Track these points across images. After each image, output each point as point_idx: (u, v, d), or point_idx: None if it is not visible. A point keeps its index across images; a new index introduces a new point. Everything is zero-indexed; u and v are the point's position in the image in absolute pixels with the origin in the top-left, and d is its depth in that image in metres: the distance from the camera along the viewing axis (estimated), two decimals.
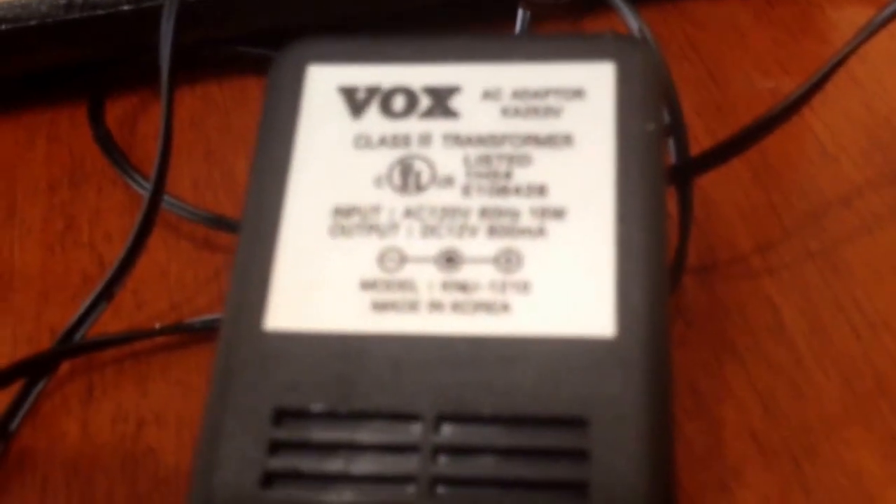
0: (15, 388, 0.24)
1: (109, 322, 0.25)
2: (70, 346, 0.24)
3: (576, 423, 0.15)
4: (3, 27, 0.28)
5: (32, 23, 0.28)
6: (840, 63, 0.24)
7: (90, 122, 0.30)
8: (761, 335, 0.24)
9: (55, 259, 0.27)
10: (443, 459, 0.15)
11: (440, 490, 0.15)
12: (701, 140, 0.29)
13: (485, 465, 0.15)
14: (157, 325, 0.25)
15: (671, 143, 0.22)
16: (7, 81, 0.30)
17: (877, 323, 0.25)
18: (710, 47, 0.31)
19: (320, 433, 0.15)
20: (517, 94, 0.18)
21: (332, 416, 0.16)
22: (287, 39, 0.19)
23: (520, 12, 0.26)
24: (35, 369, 0.24)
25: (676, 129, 0.22)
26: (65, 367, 0.25)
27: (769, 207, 0.27)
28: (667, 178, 0.19)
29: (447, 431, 0.15)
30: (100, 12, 0.28)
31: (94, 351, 0.25)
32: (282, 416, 0.16)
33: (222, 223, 0.27)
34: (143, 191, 0.28)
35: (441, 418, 0.15)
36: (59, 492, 0.23)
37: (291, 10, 0.29)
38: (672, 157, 0.22)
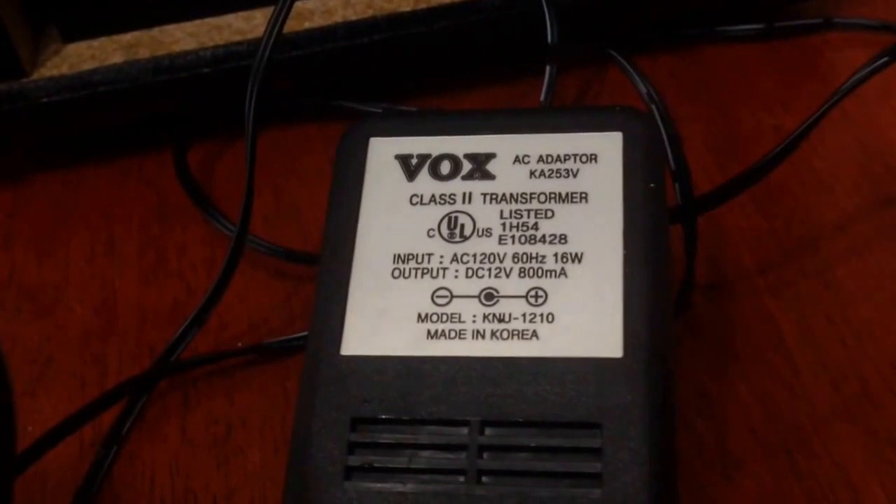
0: (124, 400, 0.28)
1: (199, 341, 0.30)
2: (169, 366, 0.29)
3: (591, 426, 0.19)
4: (101, 89, 0.32)
5: (125, 85, 0.32)
6: (834, 105, 0.28)
7: (175, 166, 0.34)
8: (762, 345, 0.28)
9: (150, 287, 0.32)
10: (486, 456, 0.19)
11: (484, 480, 0.19)
12: (712, 172, 0.32)
13: (519, 461, 0.19)
14: (240, 344, 0.30)
15: (676, 187, 0.26)
16: (103, 133, 0.35)
17: (862, 334, 0.28)
18: (720, 88, 0.35)
19: (388, 436, 0.19)
20: (542, 159, 0.22)
21: (397, 423, 0.20)
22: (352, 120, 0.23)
23: (547, 68, 0.30)
24: (140, 386, 0.28)
25: (681, 175, 0.26)
26: (164, 382, 0.29)
27: (770, 233, 0.31)
28: (669, 221, 0.23)
29: (489, 434, 0.19)
30: (183, 75, 0.32)
31: (189, 370, 0.29)
32: (357, 423, 0.20)
33: (291, 255, 0.31)
34: (224, 228, 0.32)
35: (484, 424, 0.19)
36: (164, 485, 0.27)
37: (339, 71, 0.33)
38: (678, 199, 0.26)
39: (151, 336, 0.30)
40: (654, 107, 0.25)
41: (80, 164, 0.35)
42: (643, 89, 0.25)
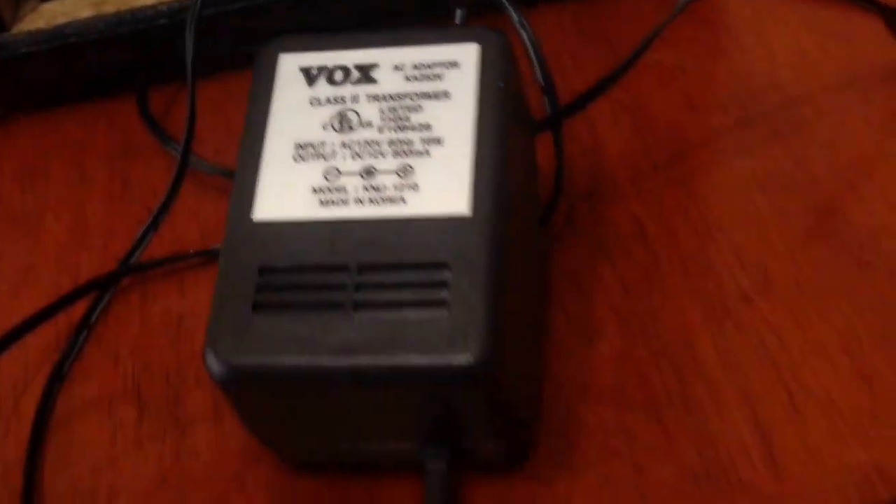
0: (92, 296, 0.34)
1: (156, 250, 0.35)
2: (129, 266, 0.34)
3: (442, 266, 0.24)
4: (72, 40, 0.37)
5: (93, 37, 0.37)
6: (653, 37, 0.33)
7: (138, 106, 0.39)
8: (626, 239, 0.33)
9: (116, 210, 0.37)
10: (361, 292, 0.24)
11: (361, 311, 0.24)
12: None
13: (385, 294, 0.24)
14: (191, 251, 0.35)
15: (545, 100, 0.31)
16: (76, 81, 0.40)
17: (713, 228, 0.33)
18: (616, 33, 0.40)
19: (287, 279, 0.25)
20: (415, 66, 0.27)
21: (295, 269, 0.25)
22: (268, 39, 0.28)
23: (458, 12, 0.35)
24: (105, 283, 0.34)
25: (548, 89, 0.31)
26: (126, 281, 0.34)
27: (643, 150, 0.36)
28: (527, 120, 0.28)
29: (364, 276, 0.25)
30: (143, 26, 0.37)
31: (148, 269, 0.34)
32: (263, 271, 0.25)
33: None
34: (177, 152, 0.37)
35: (361, 267, 0.25)
36: (126, 362, 0.32)
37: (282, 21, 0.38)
38: (547, 110, 0.31)
39: (117, 249, 0.36)
40: (523, 32, 0.30)
41: (57, 108, 0.40)
42: (515, 17, 0.30)
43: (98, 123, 0.40)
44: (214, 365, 0.24)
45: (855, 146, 0.35)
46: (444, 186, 0.25)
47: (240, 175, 0.26)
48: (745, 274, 0.32)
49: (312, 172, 0.26)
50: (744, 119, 0.37)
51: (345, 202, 0.26)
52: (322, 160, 0.26)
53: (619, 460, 0.28)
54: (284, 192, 0.26)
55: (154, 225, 0.34)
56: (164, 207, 0.33)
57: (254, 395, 0.25)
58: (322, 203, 0.26)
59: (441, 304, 0.24)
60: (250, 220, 0.26)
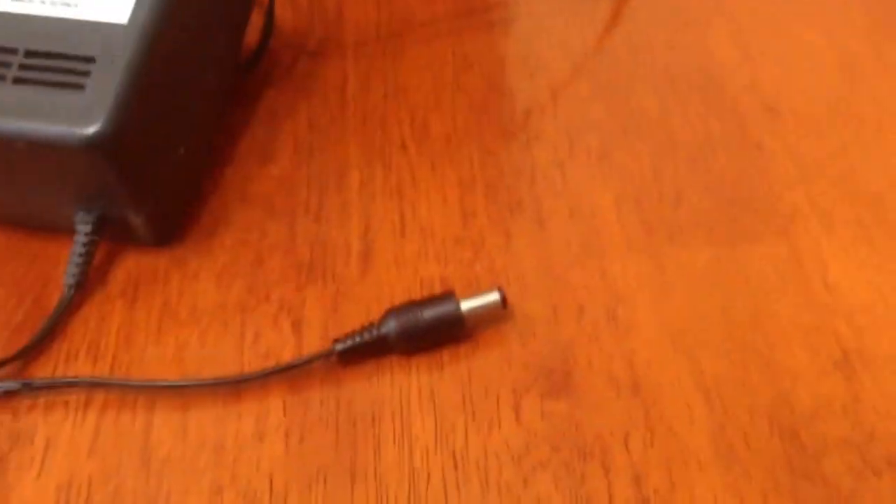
0: None
1: None
2: None
3: (89, 59, 0.30)
4: None
5: None
6: None
7: None
8: (329, 91, 0.39)
9: None
10: (22, 71, 0.30)
11: (18, 85, 0.30)
12: None
13: (43, 76, 0.30)
14: None
15: None
16: None
17: (401, 90, 0.39)
18: None
19: None
20: None
21: None
22: None
23: None
24: None
25: None
26: None
27: (376, 23, 0.41)
28: None
29: (33, 60, 0.30)
30: None
31: None
32: None
33: None
34: None
35: (28, 53, 0.30)
36: None
37: None
38: None
39: None
40: None
41: None
42: None
43: None
44: None
45: (552, 47, 0.40)
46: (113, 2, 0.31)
47: None
48: (410, 128, 0.37)
49: None
50: (464, 10, 0.42)
51: (31, 1, 0.31)
52: None
53: (247, 249, 0.33)
54: None
55: None
56: None
57: None
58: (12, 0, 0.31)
59: (80, 87, 0.30)
60: None
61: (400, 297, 0.32)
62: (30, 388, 0.30)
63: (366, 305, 0.32)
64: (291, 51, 0.39)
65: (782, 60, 0.39)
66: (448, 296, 0.30)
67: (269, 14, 0.38)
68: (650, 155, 0.36)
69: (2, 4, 0.31)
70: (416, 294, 0.32)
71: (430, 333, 0.30)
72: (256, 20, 0.40)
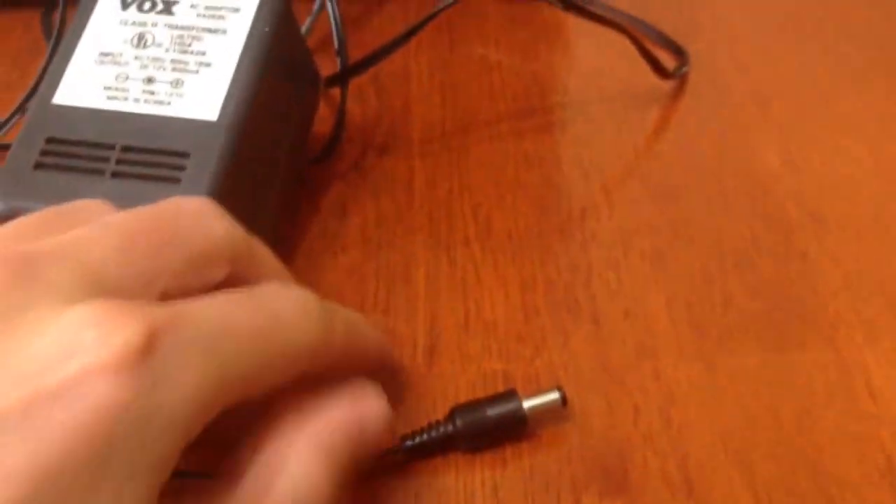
0: None
1: None
2: None
3: (183, 154, 0.32)
4: None
5: None
6: (437, 14, 0.40)
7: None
8: (396, 185, 0.41)
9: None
10: (120, 164, 0.32)
11: (116, 179, 0.32)
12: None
13: (137, 168, 0.32)
14: None
15: (339, 60, 0.39)
16: None
17: (465, 187, 0.41)
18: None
19: (67, 149, 0.32)
20: (207, 7, 0.34)
21: (75, 143, 0.32)
22: None
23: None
24: None
25: (341, 51, 0.38)
26: None
27: (441, 119, 0.43)
28: (295, 66, 0.35)
29: (126, 155, 0.32)
30: None
31: None
32: (50, 141, 0.32)
33: None
34: None
35: (124, 148, 0.32)
36: None
37: None
38: (339, 68, 0.39)
39: None
40: (329, 4, 0.38)
41: None
42: None
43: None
44: None
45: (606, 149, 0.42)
46: (202, 98, 0.33)
47: (51, 70, 0.34)
48: (474, 224, 0.39)
49: (107, 74, 0.34)
50: (525, 110, 0.44)
51: (126, 99, 0.33)
52: (117, 66, 0.34)
53: None
54: (82, 86, 0.33)
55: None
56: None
57: None
58: (109, 98, 0.33)
59: (176, 181, 0.31)
60: (50, 103, 0.33)
61: (464, 392, 0.33)
62: None
63: (432, 399, 0.33)
64: (360, 145, 0.41)
65: (824, 167, 0.41)
66: (511, 394, 0.32)
67: (341, 111, 0.39)
68: (700, 258, 0.38)
69: (98, 102, 0.33)
70: (480, 389, 0.33)
71: (494, 431, 0.31)
72: (327, 114, 0.42)
